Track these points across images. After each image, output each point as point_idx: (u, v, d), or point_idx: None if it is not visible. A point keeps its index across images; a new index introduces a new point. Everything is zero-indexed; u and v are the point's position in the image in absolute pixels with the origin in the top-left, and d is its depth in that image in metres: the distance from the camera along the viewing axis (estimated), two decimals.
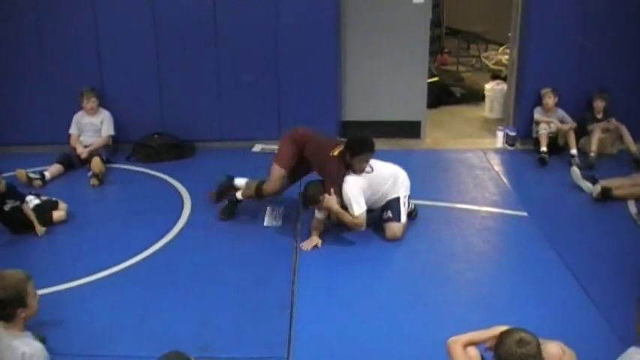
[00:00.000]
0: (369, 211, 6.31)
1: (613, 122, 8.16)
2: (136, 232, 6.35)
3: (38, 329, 4.13)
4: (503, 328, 3.31)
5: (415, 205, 6.57)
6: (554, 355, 3.41)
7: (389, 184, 6.19)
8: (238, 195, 6.62)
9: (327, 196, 5.92)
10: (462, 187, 7.48)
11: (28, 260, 5.79)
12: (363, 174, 6.06)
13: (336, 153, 6.10)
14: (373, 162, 6.16)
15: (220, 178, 6.85)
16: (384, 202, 6.23)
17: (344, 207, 5.98)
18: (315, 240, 6.04)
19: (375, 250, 6.05)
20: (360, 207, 5.93)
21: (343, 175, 6.03)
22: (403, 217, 6.15)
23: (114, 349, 4.58)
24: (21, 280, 3.61)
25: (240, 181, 6.73)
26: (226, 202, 6.64)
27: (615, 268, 5.62)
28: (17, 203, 6.19)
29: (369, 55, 8.76)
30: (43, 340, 4.10)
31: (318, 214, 6.11)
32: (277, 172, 6.40)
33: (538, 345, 3.11)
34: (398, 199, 6.18)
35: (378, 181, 6.15)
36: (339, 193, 5.97)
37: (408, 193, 6.29)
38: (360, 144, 6.04)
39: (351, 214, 5.94)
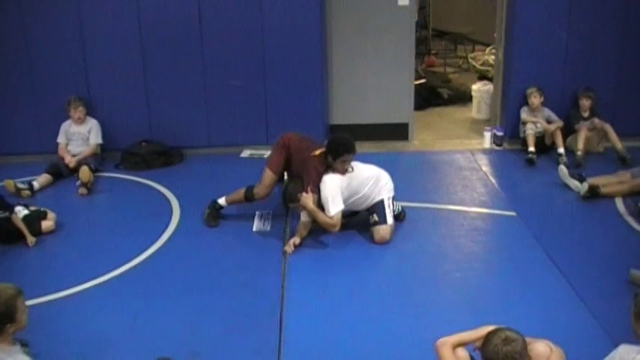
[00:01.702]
0: (354, 213, 6.35)
1: (596, 121, 8.20)
2: (126, 240, 6.35)
3: (23, 335, 4.11)
4: (492, 328, 3.33)
5: (403, 207, 6.59)
6: (542, 354, 3.42)
7: (370, 185, 6.21)
8: (220, 201, 6.63)
9: (304, 194, 5.96)
10: (450, 188, 7.50)
11: (18, 271, 5.79)
12: (345, 174, 6.12)
13: (317, 153, 6.19)
14: (354, 164, 6.21)
15: (205, 211, 6.74)
16: (367, 205, 6.26)
17: (322, 206, 6.02)
18: (293, 239, 6.06)
19: (363, 252, 6.06)
20: (336, 207, 5.96)
21: (322, 175, 6.08)
22: (389, 219, 6.18)
23: (104, 357, 4.58)
24: (11, 295, 3.59)
25: (222, 200, 6.72)
26: (207, 210, 6.64)
27: (604, 266, 5.65)
28: (6, 214, 6.19)
29: (355, 58, 8.79)
30: (26, 345, 4.09)
31: (304, 217, 6.14)
32: (269, 177, 6.47)
33: (524, 343, 3.14)
34: (382, 201, 6.20)
35: (358, 181, 6.18)
36: (317, 192, 6.02)
37: (391, 194, 6.31)
38: (340, 145, 6.11)
39: (326, 214, 5.97)
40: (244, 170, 7.81)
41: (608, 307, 4.97)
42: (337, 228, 6.03)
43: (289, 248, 6.00)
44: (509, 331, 3.16)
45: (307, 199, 5.96)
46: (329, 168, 6.12)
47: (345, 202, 6.06)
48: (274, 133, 8.15)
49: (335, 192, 6.00)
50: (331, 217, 5.96)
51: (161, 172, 8.11)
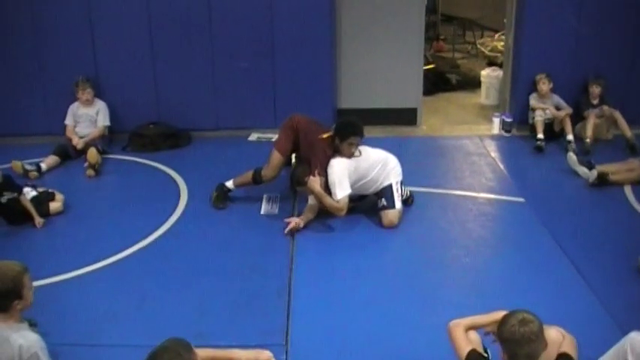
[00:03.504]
0: (362, 197, 6.33)
1: (605, 109, 8.16)
2: (133, 221, 6.35)
3: (32, 316, 4.12)
4: (504, 313, 3.33)
5: (411, 192, 6.57)
6: (555, 341, 3.42)
7: (377, 169, 6.20)
8: (228, 184, 6.62)
9: (310, 177, 5.96)
10: (458, 173, 7.48)
11: (26, 251, 5.78)
12: (352, 158, 6.10)
13: (325, 136, 6.18)
14: (362, 148, 6.19)
15: (212, 193, 6.72)
16: (376, 189, 6.25)
17: (329, 190, 6.02)
18: (298, 219, 6.05)
19: (371, 236, 6.06)
20: (342, 191, 5.96)
21: (329, 158, 6.07)
22: (398, 204, 6.16)
23: (112, 337, 4.60)
24: (17, 271, 3.60)
25: (230, 183, 6.70)
26: (214, 192, 6.63)
27: (612, 253, 5.63)
28: (14, 195, 6.19)
29: (364, 43, 8.74)
30: (35, 325, 4.10)
31: (311, 200, 6.14)
32: (277, 158, 6.45)
33: (540, 325, 3.14)
34: (390, 185, 6.19)
35: (366, 165, 6.16)
36: (324, 175, 6.01)
37: (399, 178, 6.30)
38: (347, 127, 6.12)
39: (333, 197, 5.96)
40: (252, 153, 7.80)
41: (616, 295, 4.97)
42: (344, 212, 6.02)
43: (293, 222, 5.98)
44: (526, 313, 3.17)
45: (314, 182, 5.95)
46: (336, 152, 6.11)
47: (352, 185, 6.06)
48: (282, 117, 8.09)
49: (342, 176, 5.99)
50: (338, 201, 5.95)
51: (169, 154, 8.10)
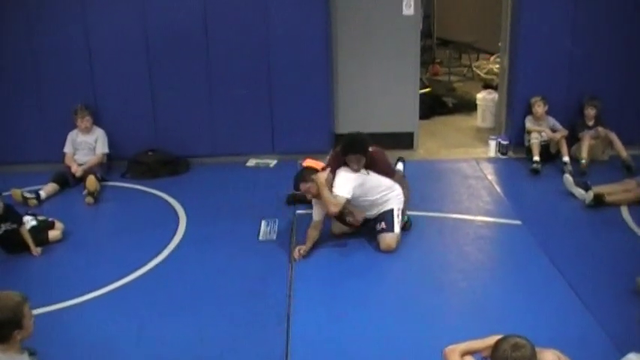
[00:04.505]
0: (365, 221, 6.36)
1: (600, 130, 8.21)
2: (132, 249, 6.37)
3: (32, 345, 4.13)
4: (500, 337, 3.34)
5: (409, 217, 6.60)
6: None
7: (383, 193, 6.26)
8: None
9: (319, 172, 6.10)
10: (455, 196, 7.51)
11: (25, 280, 5.82)
12: (360, 174, 6.17)
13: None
14: (372, 173, 6.26)
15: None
16: (378, 212, 6.29)
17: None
18: (303, 247, 6.12)
19: (369, 261, 6.07)
20: (343, 192, 6.03)
21: (340, 163, 6.20)
22: (397, 228, 6.20)
23: None
24: (18, 302, 3.61)
25: None
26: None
27: (609, 275, 5.65)
28: (14, 226, 6.20)
29: (360, 68, 8.81)
30: (34, 354, 4.11)
31: (316, 216, 6.19)
32: None
33: (533, 349, 3.16)
34: (392, 210, 6.24)
35: (372, 184, 6.24)
36: (332, 176, 6.12)
37: (401, 206, 6.35)
38: (347, 145, 6.23)
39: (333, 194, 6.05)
40: (250, 179, 7.86)
41: (614, 316, 4.98)
42: (336, 210, 6.02)
43: (297, 254, 6.05)
44: (519, 338, 3.19)
45: (322, 174, 6.07)
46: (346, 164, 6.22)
47: (356, 199, 6.13)
48: (280, 143, 8.20)
49: (347, 182, 6.08)
50: (335, 197, 6.01)
51: (167, 181, 8.13)
